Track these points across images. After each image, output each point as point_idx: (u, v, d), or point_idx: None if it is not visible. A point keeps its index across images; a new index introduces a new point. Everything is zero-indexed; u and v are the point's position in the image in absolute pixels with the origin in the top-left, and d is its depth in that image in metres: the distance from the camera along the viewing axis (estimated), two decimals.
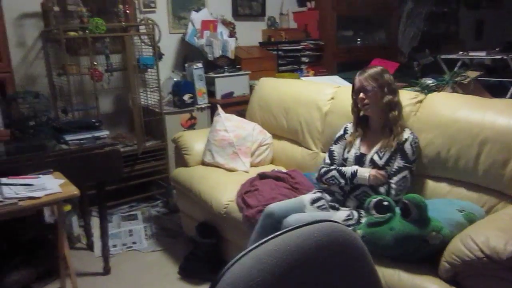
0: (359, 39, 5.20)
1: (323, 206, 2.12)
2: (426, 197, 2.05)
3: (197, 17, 3.96)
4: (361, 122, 2.21)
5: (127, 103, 3.85)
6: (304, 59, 4.63)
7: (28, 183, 2.06)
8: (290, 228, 0.88)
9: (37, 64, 3.47)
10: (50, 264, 2.53)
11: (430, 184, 2.15)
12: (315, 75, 4.41)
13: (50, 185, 2.07)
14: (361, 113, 2.20)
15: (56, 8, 3.33)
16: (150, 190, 3.77)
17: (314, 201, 2.14)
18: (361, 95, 2.10)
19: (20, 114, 2.71)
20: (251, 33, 4.51)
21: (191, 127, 3.76)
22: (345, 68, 4.48)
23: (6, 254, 2.48)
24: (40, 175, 2.17)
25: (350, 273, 0.96)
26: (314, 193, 2.21)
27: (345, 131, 2.28)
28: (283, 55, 4.48)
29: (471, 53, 4.02)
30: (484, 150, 1.93)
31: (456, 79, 2.49)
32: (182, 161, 3.05)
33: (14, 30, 3.34)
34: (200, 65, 3.80)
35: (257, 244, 0.82)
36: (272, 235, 0.86)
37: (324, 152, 2.71)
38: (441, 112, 2.14)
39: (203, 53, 3.92)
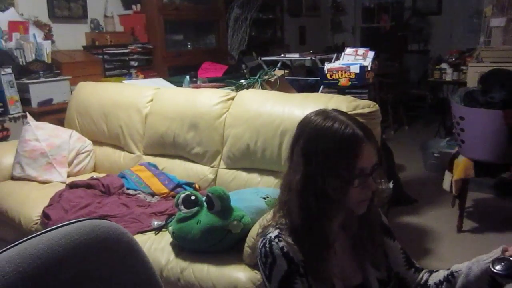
0: (189, 43, 5.25)
1: None
2: (240, 188, 2.15)
3: (3, 18, 3.56)
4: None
5: None
6: (133, 63, 4.49)
7: None
8: (43, 230, 0.82)
9: None
10: None
11: (243, 175, 2.25)
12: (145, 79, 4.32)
13: None
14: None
15: None
16: None
17: None
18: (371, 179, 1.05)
19: None
20: (73, 36, 4.23)
21: (4, 139, 3.35)
22: (177, 71, 4.50)
23: None
24: None
25: (119, 268, 0.93)
26: None
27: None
28: (110, 59, 4.28)
29: (288, 55, 4.38)
30: (285, 140, 2.08)
31: (265, 78, 2.66)
32: None
33: None
34: (9, 70, 3.41)
35: None
36: (17, 242, 0.79)
37: (147, 155, 2.66)
38: (248, 107, 2.27)
39: (13, 58, 3.53)
